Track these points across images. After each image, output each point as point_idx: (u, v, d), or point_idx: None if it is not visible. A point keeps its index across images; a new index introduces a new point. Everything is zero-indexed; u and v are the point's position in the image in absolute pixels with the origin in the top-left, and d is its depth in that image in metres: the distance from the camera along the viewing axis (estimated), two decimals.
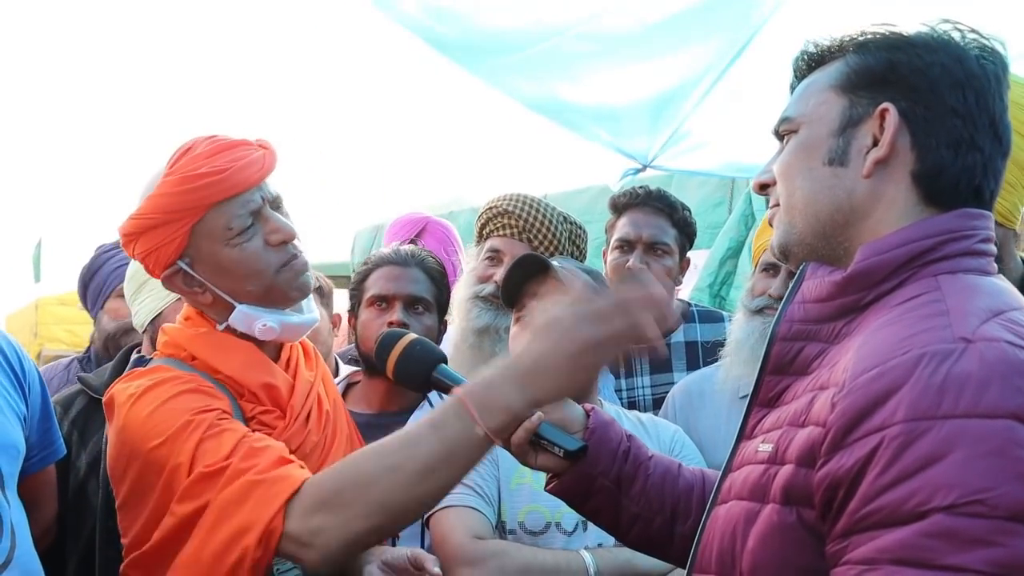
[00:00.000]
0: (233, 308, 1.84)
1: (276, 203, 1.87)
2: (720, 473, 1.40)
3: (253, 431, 1.72)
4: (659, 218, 3.06)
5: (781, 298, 2.49)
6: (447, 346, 2.73)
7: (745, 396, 2.54)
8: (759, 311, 2.60)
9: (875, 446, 1.05)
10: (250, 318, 1.83)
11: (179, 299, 2.54)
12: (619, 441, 1.62)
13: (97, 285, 3.03)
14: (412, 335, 1.77)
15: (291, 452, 1.73)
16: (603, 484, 1.59)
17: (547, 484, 1.66)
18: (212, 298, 1.84)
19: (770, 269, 2.64)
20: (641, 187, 3.19)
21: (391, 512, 1.51)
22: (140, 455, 1.66)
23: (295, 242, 1.87)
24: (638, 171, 4.12)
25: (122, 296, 2.88)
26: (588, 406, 1.68)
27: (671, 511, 1.60)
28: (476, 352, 2.72)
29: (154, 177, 1.82)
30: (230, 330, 1.87)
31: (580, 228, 2.97)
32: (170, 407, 1.67)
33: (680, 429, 2.44)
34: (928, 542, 0.99)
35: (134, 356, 2.67)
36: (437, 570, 1.85)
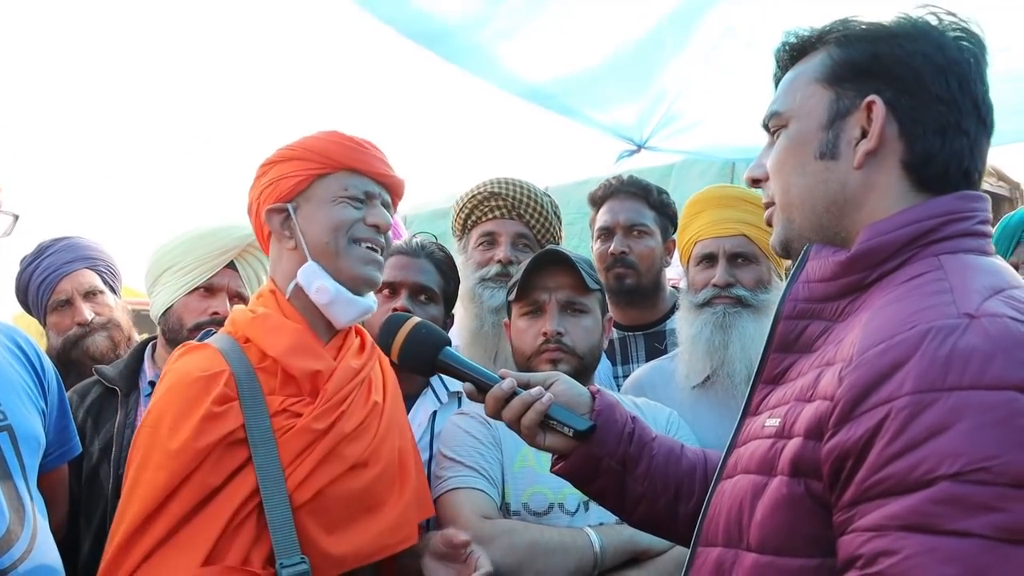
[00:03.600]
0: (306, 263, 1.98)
1: (387, 208, 2.06)
2: (724, 449, 1.43)
3: (281, 424, 1.88)
4: (635, 202, 3.15)
5: (727, 285, 2.58)
6: (460, 336, 2.79)
7: (696, 386, 2.63)
8: (707, 303, 2.62)
9: (883, 417, 1.08)
10: (313, 275, 1.97)
11: (188, 294, 2.63)
12: (624, 423, 1.65)
13: (33, 302, 3.04)
14: (416, 318, 1.78)
15: (320, 432, 1.89)
16: (609, 465, 1.61)
17: (553, 465, 1.69)
18: (295, 245, 2.00)
19: (707, 260, 2.66)
20: (615, 177, 3.28)
21: None
22: (139, 451, 1.86)
23: (386, 236, 2.05)
24: (633, 152, 4.12)
25: (59, 309, 2.96)
26: (594, 388, 1.70)
27: (675, 491, 1.63)
28: (498, 331, 2.76)
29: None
30: (294, 301, 2.00)
31: (554, 200, 3.10)
32: (182, 443, 1.80)
33: (675, 412, 2.48)
34: (935, 508, 1.02)
35: (148, 348, 2.75)
36: (464, 537, 1.91)
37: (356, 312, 2.02)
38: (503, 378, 1.65)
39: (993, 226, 1.36)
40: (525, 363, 2.36)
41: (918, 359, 1.08)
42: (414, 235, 2.83)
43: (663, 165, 5.34)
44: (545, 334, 2.31)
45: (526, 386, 1.65)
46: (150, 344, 2.78)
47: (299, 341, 1.96)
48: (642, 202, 3.16)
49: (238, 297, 2.72)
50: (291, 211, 2.00)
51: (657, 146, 4.09)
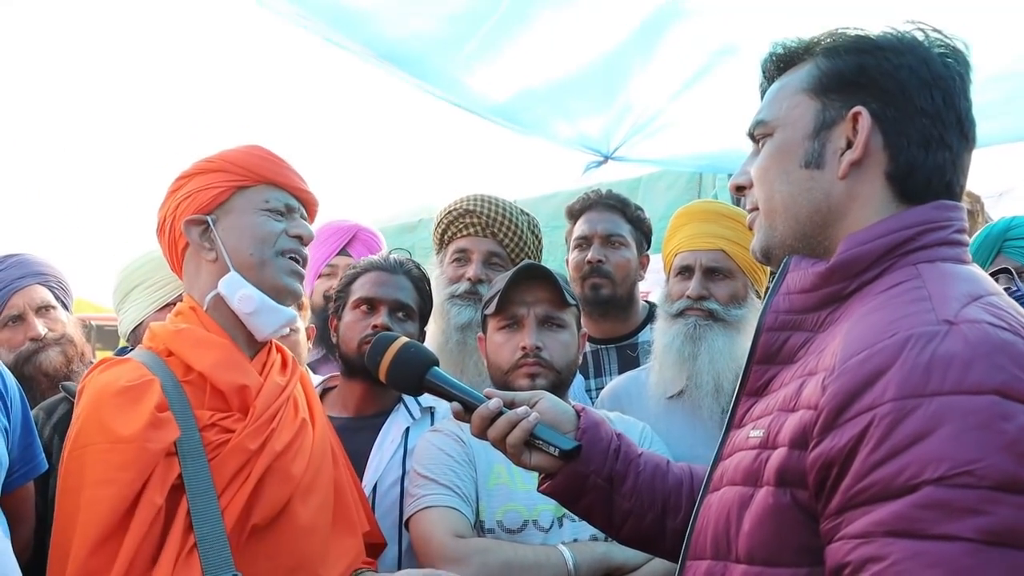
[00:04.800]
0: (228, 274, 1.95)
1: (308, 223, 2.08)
2: (710, 462, 1.43)
3: (211, 439, 1.83)
4: (612, 214, 3.21)
5: (700, 298, 2.60)
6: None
7: (672, 397, 2.65)
8: (680, 314, 2.65)
9: (866, 425, 1.09)
10: (236, 285, 1.94)
11: (159, 310, 2.61)
12: (610, 440, 1.65)
13: None
14: (404, 338, 1.79)
15: (254, 451, 1.85)
16: (595, 483, 1.61)
17: (540, 485, 1.68)
18: (216, 257, 1.97)
19: (684, 272, 2.69)
20: (593, 190, 3.33)
21: None
22: (67, 476, 1.77)
23: (305, 250, 2.05)
24: (600, 163, 4.14)
25: (10, 325, 2.90)
26: (579, 406, 1.71)
27: (662, 506, 1.63)
28: (462, 348, 2.81)
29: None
30: (215, 314, 1.96)
31: (534, 218, 3.12)
32: (110, 452, 1.74)
33: (648, 426, 2.48)
34: (920, 513, 1.03)
35: None
36: None
37: (280, 321, 2.00)
38: (489, 398, 1.65)
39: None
40: (502, 377, 2.34)
41: (899, 366, 1.09)
42: (391, 251, 2.81)
43: (631, 178, 5.36)
44: (524, 348, 2.30)
45: (511, 405, 1.65)
46: None
47: (226, 356, 1.93)
48: (619, 215, 3.21)
49: None
50: (211, 223, 1.97)
51: (624, 156, 4.10)
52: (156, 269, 2.63)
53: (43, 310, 2.95)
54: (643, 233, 3.25)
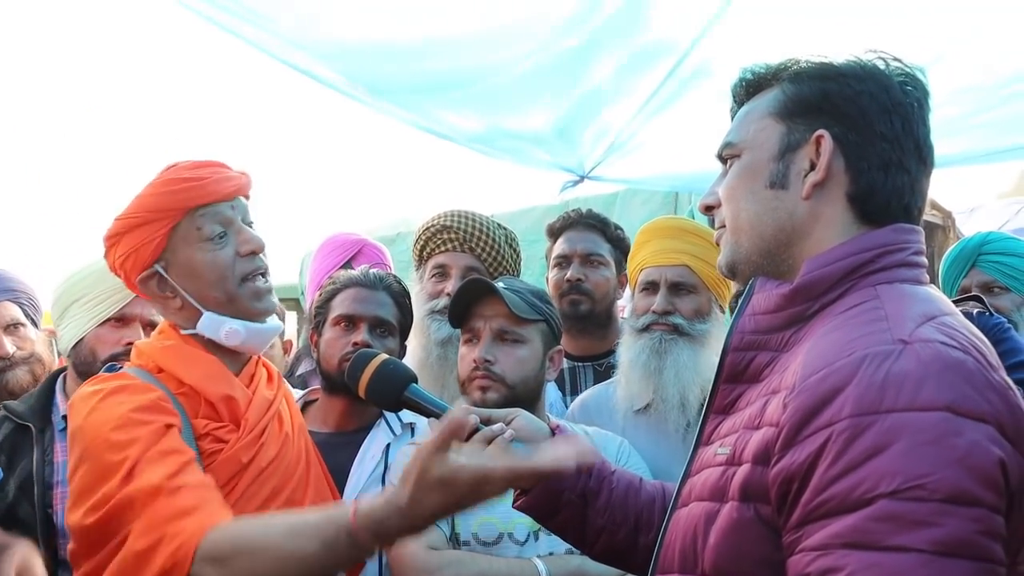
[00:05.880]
0: (201, 315, 1.94)
1: (248, 224, 2.01)
2: (679, 479, 1.47)
3: (205, 448, 1.83)
4: (592, 233, 3.26)
5: (665, 313, 2.64)
6: (411, 364, 2.80)
7: (639, 410, 2.69)
8: (645, 328, 2.69)
9: (824, 441, 1.13)
10: (217, 323, 1.94)
11: (99, 325, 2.56)
12: None
13: None
14: (384, 355, 1.81)
15: (244, 464, 1.87)
16: (569, 499, 1.64)
17: (514, 501, 1.70)
18: (181, 303, 1.95)
19: (649, 288, 2.73)
20: (573, 210, 3.38)
21: None
22: (90, 454, 1.73)
23: (263, 255, 1.99)
24: (576, 183, 4.20)
25: None
26: (554, 423, 1.73)
27: (634, 523, 1.66)
28: (443, 363, 2.84)
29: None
30: (198, 338, 1.96)
31: (512, 232, 3.16)
32: (126, 413, 1.75)
33: (625, 441, 2.50)
34: (875, 526, 1.07)
35: (60, 381, 2.66)
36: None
37: (268, 338, 2.04)
38: None
39: (930, 256, 1.41)
40: (462, 389, 2.39)
41: (856, 384, 1.14)
42: (371, 265, 2.82)
43: (607, 194, 5.44)
44: (475, 361, 2.33)
45: (488, 422, 1.66)
46: (60, 376, 2.68)
47: (214, 369, 1.95)
48: (599, 234, 3.27)
49: (151, 326, 2.62)
50: (162, 271, 1.94)
51: (600, 176, 4.16)
52: (96, 283, 2.57)
53: (12, 327, 2.87)
54: (622, 252, 3.29)
